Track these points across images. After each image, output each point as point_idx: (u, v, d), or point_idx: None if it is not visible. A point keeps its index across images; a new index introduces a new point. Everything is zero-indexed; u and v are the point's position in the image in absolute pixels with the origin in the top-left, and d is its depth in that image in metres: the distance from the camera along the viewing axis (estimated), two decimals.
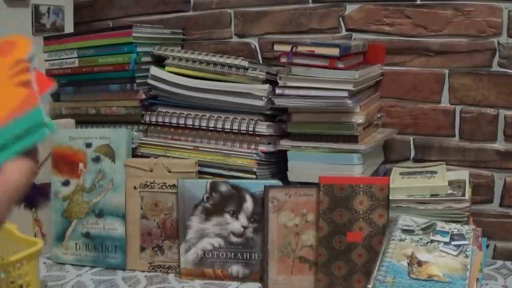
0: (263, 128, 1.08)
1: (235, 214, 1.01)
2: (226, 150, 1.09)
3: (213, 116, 1.12)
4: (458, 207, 0.90)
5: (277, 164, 1.10)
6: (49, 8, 1.33)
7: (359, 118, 1.01)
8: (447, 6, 1.12)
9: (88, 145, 1.10)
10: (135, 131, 1.18)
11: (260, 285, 1.01)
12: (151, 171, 1.06)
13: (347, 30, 1.20)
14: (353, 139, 1.01)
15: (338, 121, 1.02)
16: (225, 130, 1.10)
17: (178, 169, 1.05)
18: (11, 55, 0.48)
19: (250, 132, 1.08)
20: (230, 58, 1.10)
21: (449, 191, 0.93)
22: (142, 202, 1.06)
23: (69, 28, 1.38)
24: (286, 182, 1.04)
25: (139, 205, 1.07)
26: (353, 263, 0.95)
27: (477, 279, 0.81)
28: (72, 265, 1.09)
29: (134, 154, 1.13)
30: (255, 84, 1.08)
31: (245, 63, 1.08)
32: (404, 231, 0.87)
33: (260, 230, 1.01)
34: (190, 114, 1.14)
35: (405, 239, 0.85)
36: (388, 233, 0.88)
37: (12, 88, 0.45)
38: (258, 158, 1.06)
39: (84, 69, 1.22)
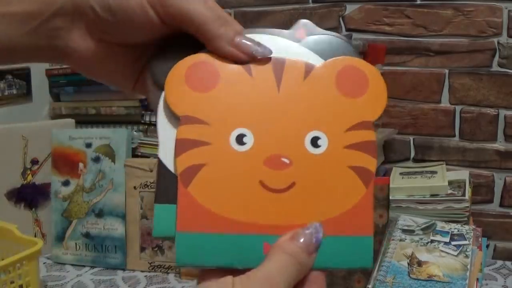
0: None
1: None
2: None
3: None
4: (458, 207, 0.90)
5: None
6: None
7: None
8: (447, 6, 1.12)
9: (88, 145, 1.10)
10: (135, 131, 1.18)
11: None
12: (151, 171, 1.06)
13: (347, 30, 1.20)
14: None
15: None
16: None
17: None
18: (359, 100, 0.35)
19: None
20: None
21: (449, 191, 0.93)
22: (142, 202, 1.06)
23: None
24: None
25: (139, 205, 1.07)
26: None
27: (477, 279, 0.81)
28: (72, 265, 1.09)
29: (134, 154, 1.13)
30: None
31: None
32: (404, 231, 0.87)
33: None
34: None
35: (405, 239, 0.85)
36: (388, 233, 0.88)
37: (345, 169, 0.35)
38: None
39: None
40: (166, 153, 0.34)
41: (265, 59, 0.35)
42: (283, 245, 0.32)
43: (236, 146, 0.34)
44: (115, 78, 0.39)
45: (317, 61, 0.36)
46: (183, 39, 0.35)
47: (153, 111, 0.35)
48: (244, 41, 0.35)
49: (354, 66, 0.36)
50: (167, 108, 0.34)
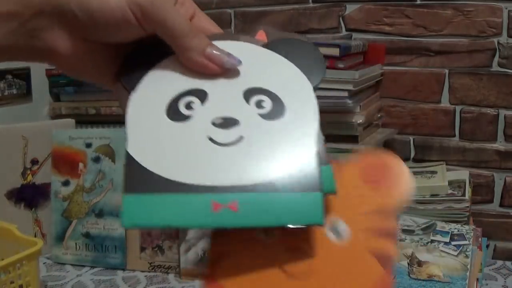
0: None
1: None
2: None
3: None
4: (458, 207, 0.91)
5: None
6: None
7: (359, 118, 1.00)
8: (447, 6, 1.12)
9: (88, 145, 1.10)
10: None
11: None
12: None
13: (347, 30, 1.20)
14: (353, 139, 1.01)
15: (338, 121, 1.01)
16: None
17: None
18: (383, 191, 0.36)
19: None
20: None
21: (449, 191, 0.93)
22: None
23: None
24: None
25: None
26: None
27: (477, 279, 0.81)
28: (72, 265, 1.09)
29: None
30: None
31: None
32: (404, 231, 0.87)
33: None
34: None
35: (405, 239, 0.85)
36: None
37: (364, 254, 0.34)
38: None
39: None
40: (134, 147, 0.35)
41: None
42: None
43: None
44: (97, 76, 0.40)
45: (285, 63, 0.39)
46: (156, 40, 0.38)
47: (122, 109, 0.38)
48: (215, 52, 0.37)
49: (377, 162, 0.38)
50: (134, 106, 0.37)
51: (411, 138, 1.18)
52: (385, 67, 1.17)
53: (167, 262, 1.06)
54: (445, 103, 1.15)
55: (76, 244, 1.09)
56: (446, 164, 1.07)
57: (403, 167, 0.37)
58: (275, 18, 1.25)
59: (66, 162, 1.10)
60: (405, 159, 1.18)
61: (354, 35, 1.19)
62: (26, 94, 1.25)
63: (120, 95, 0.39)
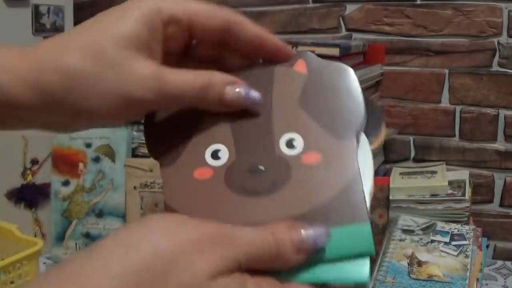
0: None
1: None
2: None
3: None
4: (458, 207, 0.90)
5: None
6: (49, 8, 1.33)
7: None
8: (447, 6, 1.12)
9: (88, 145, 1.10)
10: (135, 131, 1.18)
11: None
12: (151, 171, 1.06)
13: (347, 30, 1.20)
14: None
15: None
16: None
17: None
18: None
19: None
20: None
21: (449, 191, 0.93)
22: (142, 202, 1.06)
23: (69, 28, 1.38)
24: None
25: (139, 205, 1.06)
26: None
27: (477, 279, 0.81)
28: None
29: (134, 154, 1.13)
30: None
31: None
32: (404, 231, 0.87)
33: None
34: None
35: (405, 239, 0.85)
36: (388, 233, 0.88)
37: None
38: None
39: None
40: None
41: None
42: (277, 227, 0.31)
43: None
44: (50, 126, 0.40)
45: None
46: None
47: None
48: (231, 97, 0.35)
49: None
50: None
51: (411, 138, 1.18)
52: (385, 67, 1.17)
53: None
54: (445, 103, 1.14)
55: (76, 244, 1.09)
56: (446, 164, 1.07)
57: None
58: (275, 18, 1.25)
59: (66, 162, 1.10)
60: (405, 159, 1.18)
61: (354, 35, 1.19)
62: None
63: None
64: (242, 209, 0.32)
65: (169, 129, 0.37)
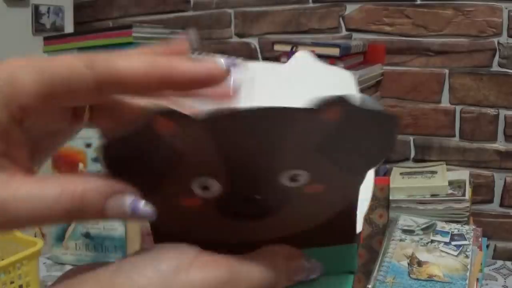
0: None
1: None
2: None
3: None
4: (458, 207, 0.90)
5: None
6: (49, 8, 1.33)
7: None
8: (447, 6, 1.12)
9: (88, 145, 1.10)
10: None
11: None
12: None
13: (347, 30, 1.20)
14: None
15: None
16: None
17: None
18: None
19: None
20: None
21: (449, 191, 0.93)
22: None
23: (69, 28, 1.38)
24: None
25: None
26: None
27: (477, 279, 0.81)
28: (72, 265, 1.09)
29: None
30: None
31: None
32: (404, 231, 0.87)
33: None
34: None
35: (405, 239, 0.85)
36: (388, 233, 0.88)
37: None
38: None
39: None
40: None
41: None
42: (276, 257, 0.31)
43: None
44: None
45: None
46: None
47: None
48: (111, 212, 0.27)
49: None
50: None
51: (411, 138, 1.18)
52: (385, 67, 1.17)
53: None
54: (445, 103, 1.15)
55: (76, 244, 1.09)
56: (446, 164, 1.07)
57: None
58: (275, 18, 1.25)
59: (66, 162, 1.10)
60: (405, 159, 1.18)
61: (354, 35, 1.19)
62: None
63: None
64: (233, 230, 0.32)
65: (134, 160, 0.29)
